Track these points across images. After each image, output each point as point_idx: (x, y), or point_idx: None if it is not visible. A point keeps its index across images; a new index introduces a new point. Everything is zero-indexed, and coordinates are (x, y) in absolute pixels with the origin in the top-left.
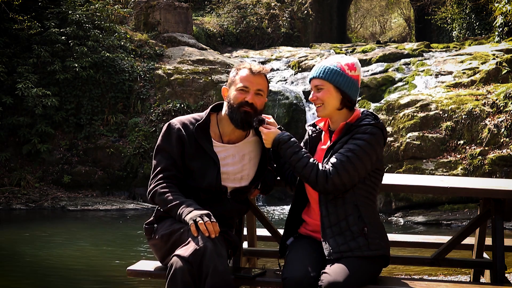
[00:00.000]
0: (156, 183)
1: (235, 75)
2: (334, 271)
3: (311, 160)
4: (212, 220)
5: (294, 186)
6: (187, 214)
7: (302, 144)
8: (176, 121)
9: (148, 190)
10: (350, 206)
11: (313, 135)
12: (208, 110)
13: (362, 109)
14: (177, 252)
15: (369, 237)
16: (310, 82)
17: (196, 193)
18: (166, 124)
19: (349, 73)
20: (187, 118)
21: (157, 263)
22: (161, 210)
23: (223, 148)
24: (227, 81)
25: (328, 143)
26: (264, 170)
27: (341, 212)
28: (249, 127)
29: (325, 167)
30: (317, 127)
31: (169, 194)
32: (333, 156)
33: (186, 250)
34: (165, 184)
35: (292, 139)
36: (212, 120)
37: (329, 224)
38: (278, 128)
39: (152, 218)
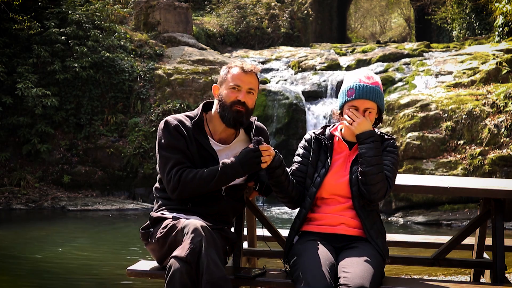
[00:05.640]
0: (176, 176)
1: (226, 73)
2: (359, 274)
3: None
4: None
5: (297, 204)
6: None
7: (304, 150)
8: (172, 118)
9: (169, 187)
10: (374, 213)
11: (327, 143)
12: (200, 107)
13: None
14: (174, 253)
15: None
16: (356, 96)
17: None
18: (163, 122)
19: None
20: (181, 115)
21: (157, 263)
22: (208, 188)
23: (217, 146)
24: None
25: (347, 151)
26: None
27: (370, 219)
28: (241, 126)
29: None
30: (326, 136)
31: (201, 171)
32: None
33: (182, 250)
34: (187, 170)
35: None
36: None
37: (369, 227)
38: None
39: (147, 223)
